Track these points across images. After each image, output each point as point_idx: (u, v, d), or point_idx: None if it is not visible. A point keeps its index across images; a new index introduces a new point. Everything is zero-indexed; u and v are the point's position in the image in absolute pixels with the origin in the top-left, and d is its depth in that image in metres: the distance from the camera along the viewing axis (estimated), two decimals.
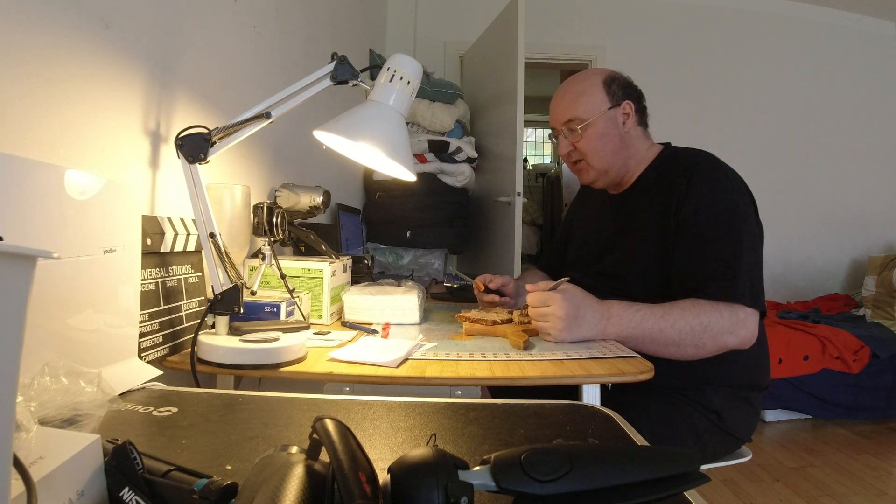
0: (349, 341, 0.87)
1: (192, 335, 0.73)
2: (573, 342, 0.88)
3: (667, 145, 1.13)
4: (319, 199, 1.11)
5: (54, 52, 0.61)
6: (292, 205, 1.10)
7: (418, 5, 3.29)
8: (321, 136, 0.77)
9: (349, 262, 1.18)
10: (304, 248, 1.15)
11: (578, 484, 0.33)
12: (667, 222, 0.98)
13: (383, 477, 0.32)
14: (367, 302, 1.03)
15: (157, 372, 0.65)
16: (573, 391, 0.79)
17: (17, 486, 0.27)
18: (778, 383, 2.35)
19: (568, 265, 1.27)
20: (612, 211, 1.14)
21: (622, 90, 1.09)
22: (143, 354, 0.69)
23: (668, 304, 0.90)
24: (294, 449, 0.33)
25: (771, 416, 2.46)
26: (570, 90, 1.12)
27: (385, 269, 2.40)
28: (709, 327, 0.87)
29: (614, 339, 0.89)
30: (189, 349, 0.72)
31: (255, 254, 0.91)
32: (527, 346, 0.85)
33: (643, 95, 1.13)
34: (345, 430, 0.32)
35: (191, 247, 0.85)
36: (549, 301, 0.88)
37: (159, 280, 0.76)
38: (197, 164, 0.71)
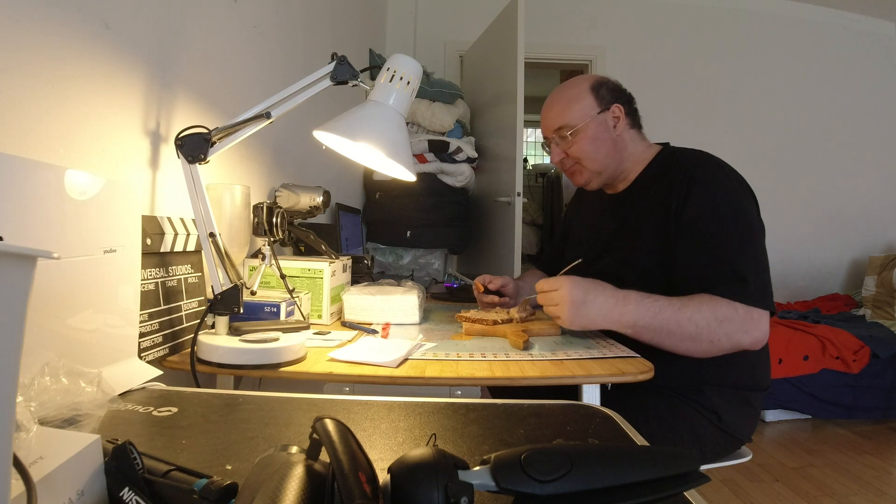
0: (349, 341, 0.87)
1: (192, 335, 0.73)
2: (586, 329, 0.88)
3: (665, 145, 1.13)
4: (319, 199, 1.11)
5: (54, 53, 0.61)
6: (292, 205, 1.10)
7: (418, 5, 3.29)
8: (321, 136, 0.77)
9: (349, 262, 1.18)
10: (304, 248, 1.15)
11: (578, 484, 0.33)
12: (667, 223, 0.98)
13: (383, 477, 0.32)
14: (367, 302, 1.03)
15: (157, 372, 0.65)
16: (573, 391, 0.79)
17: (17, 486, 0.27)
18: (778, 383, 2.35)
19: (567, 265, 1.27)
20: (610, 211, 1.14)
21: (611, 94, 1.09)
22: (142, 354, 0.69)
23: (685, 298, 0.88)
24: (294, 449, 0.33)
25: (771, 416, 2.46)
26: (558, 98, 1.12)
27: (385, 269, 2.40)
28: (724, 323, 0.86)
29: (630, 328, 0.87)
30: (189, 349, 0.72)
31: (255, 254, 0.91)
32: (527, 346, 0.85)
33: (633, 99, 1.13)
34: (345, 430, 0.32)
35: (191, 247, 0.85)
36: (557, 285, 0.87)
37: (159, 280, 0.76)
38: (197, 164, 0.71)
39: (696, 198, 0.96)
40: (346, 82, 0.75)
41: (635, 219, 1.06)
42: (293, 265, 1.02)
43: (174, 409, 0.55)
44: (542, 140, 1.18)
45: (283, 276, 0.90)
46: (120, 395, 0.58)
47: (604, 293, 0.87)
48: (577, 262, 0.91)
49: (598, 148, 1.08)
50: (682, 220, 0.96)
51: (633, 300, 0.88)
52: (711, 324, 0.86)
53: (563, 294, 0.86)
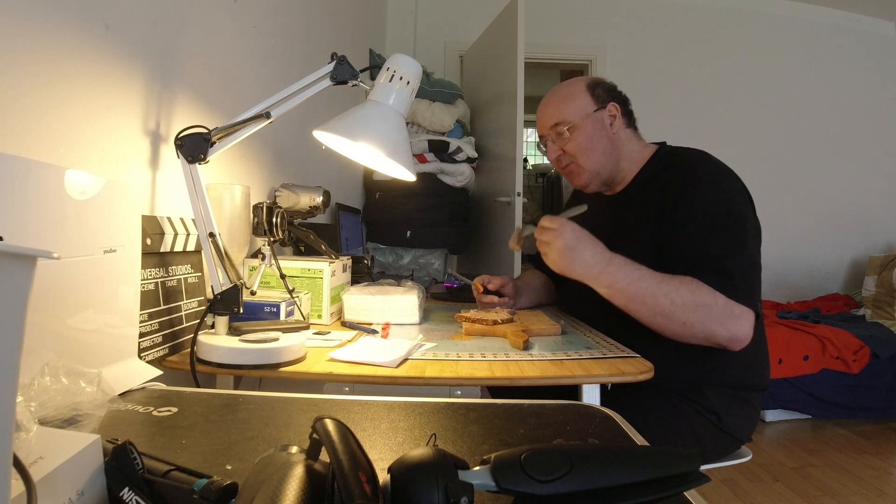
0: (349, 341, 0.87)
1: (192, 335, 0.73)
2: (564, 273, 0.93)
3: (661, 145, 1.13)
4: (319, 199, 1.11)
5: (54, 53, 0.61)
6: (292, 205, 1.10)
7: (418, 5, 3.29)
8: (321, 136, 0.77)
9: (349, 262, 1.18)
10: (303, 248, 1.15)
11: (578, 484, 0.33)
12: (662, 221, 0.98)
13: (383, 477, 0.32)
14: (366, 302, 1.03)
15: (157, 372, 0.65)
16: (573, 391, 0.79)
17: (17, 486, 0.27)
18: (778, 383, 2.35)
19: None
20: (607, 212, 1.14)
21: (606, 93, 1.10)
22: (142, 354, 0.69)
23: (669, 275, 0.89)
24: (294, 449, 0.33)
25: (771, 416, 2.46)
26: (554, 96, 1.13)
27: (385, 269, 2.40)
28: (700, 308, 0.86)
29: (607, 288, 0.90)
30: (189, 349, 0.72)
31: (255, 254, 0.91)
32: (527, 346, 0.85)
33: (629, 100, 1.14)
34: (345, 430, 0.32)
35: (191, 247, 0.85)
36: (557, 225, 0.91)
37: (159, 280, 0.76)
38: (197, 164, 0.71)
39: (691, 196, 0.96)
40: (345, 82, 0.75)
41: (633, 219, 1.06)
42: (293, 265, 1.02)
43: (174, 409, 0.55)
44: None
45: (283, 276, 0.90)
46: (120, 395, 0.58)
47: (594, 248, 0.90)
48: (582, 210, 0.94)
49: (595, 145, 1.08)
50: (675, 217, 0.96)
51: (617, 263, 0.90)
52: (687, 305, 0.86)
53: (559, 235, 0.90)
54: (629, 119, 1.13)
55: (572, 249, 0.90)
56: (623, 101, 1.12)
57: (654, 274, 0.89)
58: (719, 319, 0.86)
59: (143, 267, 0.71)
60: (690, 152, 1.05)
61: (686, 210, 0.95)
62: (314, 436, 0.32)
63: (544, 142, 1.15)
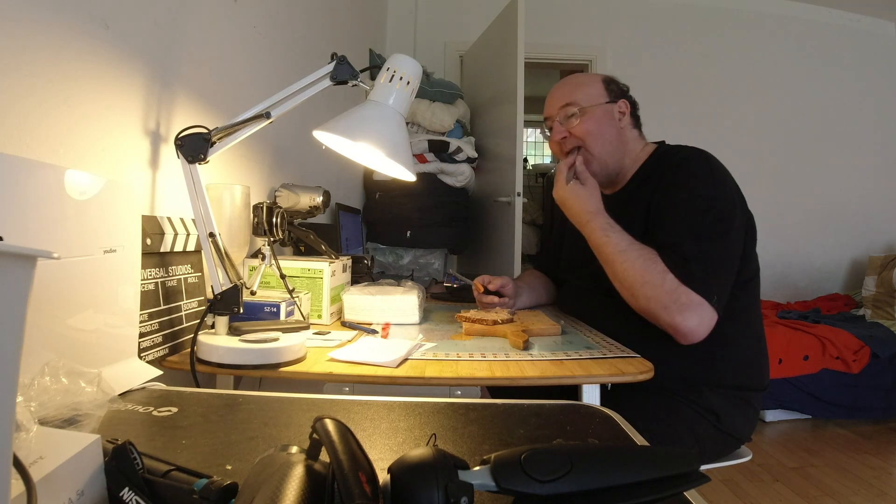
0: (349, 341, 0.87)
1: (192, 335, 0.73)
2: (558, 199, 1.08)
3: (660, 144, 1.13)
4: (319, 199, 1.11)
5: (55, 53, 0.61)
6: (292, 205, 1.10)
7: (418, 5, 3.28)
8: (321, 136, 0.77)
9: (349, 262, 1.18)
10: (303, 248, 1.15)
11: (578, 484, 0.33)
12: (650, 212, 0.99)
13: (383, 477, 0.32)
14: (366, 302, 1.03)
15: (157, 372, 0.65)
16: (573, 391, 0.79)
17: (17, 486, 0.27)
18: (778, 383, 2.35)
19: (562, 267, 1.27)
20: (606, 209, 1.14)
21: (620, 90, 1.12)
22: (142, 354, 0.69)
23: (638, 245, 0.93)
24: (294, 449, 0.33)
25: (771, 416, 2.46)
26: (569, 81, 1.15)
27: (385, 269, 2.40)
28: (647, 285, 0.88)
29: (586, 238, 1.00)
30: (189, 349, 0.72)
31: (255, 254, 0.91)
32: (527, 346, 0.85)
33: (638, 105, 1.16)
34: (345, 430, 0.32)
35: (191, 247, 0.85)
36: (584, 179, 1.05)
37: (159, 280, 0.76)
38: (197, 164, 0.71)
39: (677, 188, 0.97)
40: (345, 82, 0.75)
41: (628, 219, 1.05)
42: (293, 265, 1.02)
43: (174, 409, 0.55)
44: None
45: (282, 276, 0.90)
46: (120, 395, 0.58)
47: (587, 202, 1.01)
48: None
49: (604, 132, 1.08)
50: (660, 206, 0.97)
51: (597, 221, 0.98)
52: (637, 279, 0.89)
53: (573, 188, 1.03)
54: (636, 121, 1.14)
55: (569, 197, 1.03)
56: (633, 104, 1.14)
57: (622, 239, 0.93)
58: (663, 302, 0.86)
59: (143, 267, 0.71)
60: (687, 149, 1.05)
61: (669, 201, 0.96)
62: (314, 436, 0.32)
63: (549, 124, 1.13)
